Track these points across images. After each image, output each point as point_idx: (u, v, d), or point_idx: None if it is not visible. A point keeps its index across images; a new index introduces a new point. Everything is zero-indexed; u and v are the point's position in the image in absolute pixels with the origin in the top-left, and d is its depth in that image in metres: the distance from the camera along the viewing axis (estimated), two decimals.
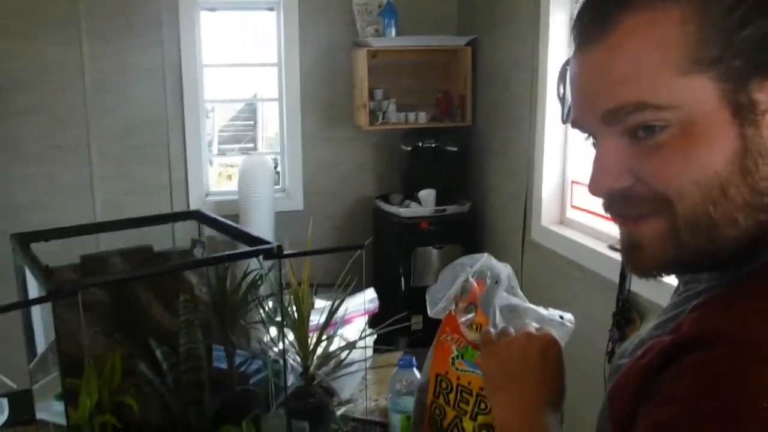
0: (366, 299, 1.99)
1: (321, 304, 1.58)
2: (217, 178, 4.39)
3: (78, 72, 3.56)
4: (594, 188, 0.67)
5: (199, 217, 1.49)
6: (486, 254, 1.10)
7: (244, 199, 3.59)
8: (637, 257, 0.67)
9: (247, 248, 1.27)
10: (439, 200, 3.61)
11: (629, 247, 0.68)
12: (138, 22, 3.59)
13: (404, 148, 3.69)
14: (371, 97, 3.61)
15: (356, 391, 1.75)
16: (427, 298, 1.12)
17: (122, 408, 1.28)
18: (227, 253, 1.30)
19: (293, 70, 3.76)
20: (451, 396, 1.09)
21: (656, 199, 0.63)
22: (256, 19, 4.04)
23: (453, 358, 1.09)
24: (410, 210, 3.57)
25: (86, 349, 1.24)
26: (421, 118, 3.68)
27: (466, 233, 3.59)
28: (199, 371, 1.38)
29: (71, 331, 1.20)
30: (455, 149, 3.68)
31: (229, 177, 4.56)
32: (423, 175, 3.66)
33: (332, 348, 1.56)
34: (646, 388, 0.62)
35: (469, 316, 1.08)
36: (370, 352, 1.83)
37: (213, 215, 1.51)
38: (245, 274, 1.47)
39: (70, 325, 1.19)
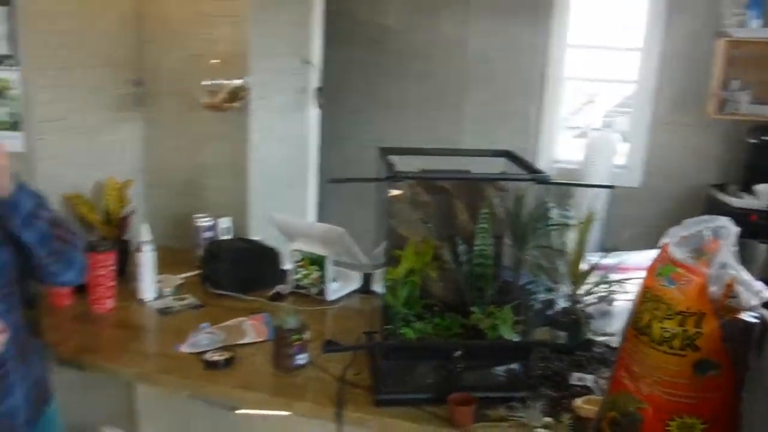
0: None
1: None
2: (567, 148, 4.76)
3: (464, 45, 4.25)
4: None
5: (509, 155, 1.95)
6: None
7: (585, 171, 3.96)
8: None
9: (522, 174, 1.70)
10: None
11: None
12: (523, 2, 4.14)
13: (750, 140, 3.70)
14: (725, 86, 3.69)
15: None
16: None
17: (427, 277, 1.81)
18: (504, 174, 1.75)
19: (653, 54, 3.99)
20: (650, 303, 1.41)
21: None
22: (627, 3, 4.29)
23: (657, 274, 1.41)
24: (743, 201, 3.60)
25: (408, 231, 1.80)
26: None
27: None
28: (485, 267, 1.86)
29: (401, 217, 1.77)
30: None
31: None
32: (763, 169, 3.65)
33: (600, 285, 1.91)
34: None
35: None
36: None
37: (521, 156, 1.95)
38: (540, 205, 1.89)
39: (402, 213, 1.76)
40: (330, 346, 1.70)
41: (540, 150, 4.21)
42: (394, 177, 1.60)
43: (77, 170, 2.51)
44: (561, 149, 4.40)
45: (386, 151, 1.87)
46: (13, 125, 2.34)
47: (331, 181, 1.62)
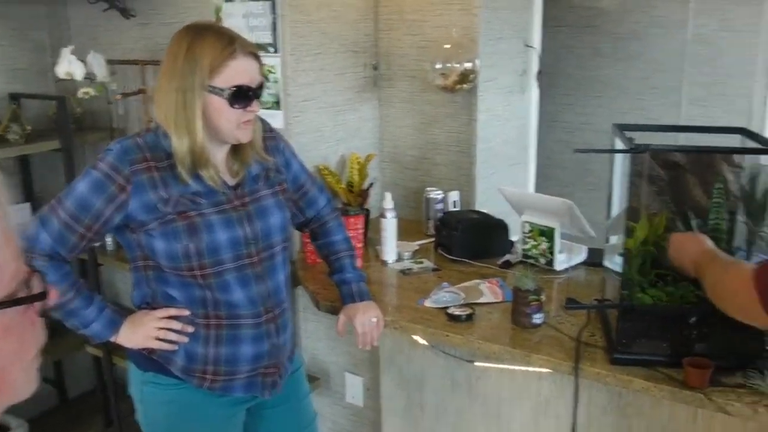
0: None
1: None
2: None
3: (682, 25, 4.16)
4: None
5: (744, 132, 1.98)
6: None
7: None
8: None
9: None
10: None
11: None
12: None
13: None
14: None
15: None
16: None
17: (660, 247, 1.89)
18: (742, 147, 1.79)
19: None
20: None
21: None
22: None
23: None
24: None
25: (644, 204, 1.88)
26: None
27: None
28: (718, 241, 1.90)
29: (638, 190, 1.86)
30: None
31: None
32: None
33: None
34: None
35: None
36: None
37: (757, 133, 1.97)
38: None
39: (638, 188, 1.85)
40: (571, 303, 1.84)
41: (765, 134, 4.04)
42: (639, 149, 1.70)
43: (326, 144, 2.82)
44: None
45: (621, 127, 1.96)
46: (275, 105, 2.68)
47: (577, 150, 1.75)
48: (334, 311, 2.10)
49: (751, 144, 1.96)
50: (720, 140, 2.02)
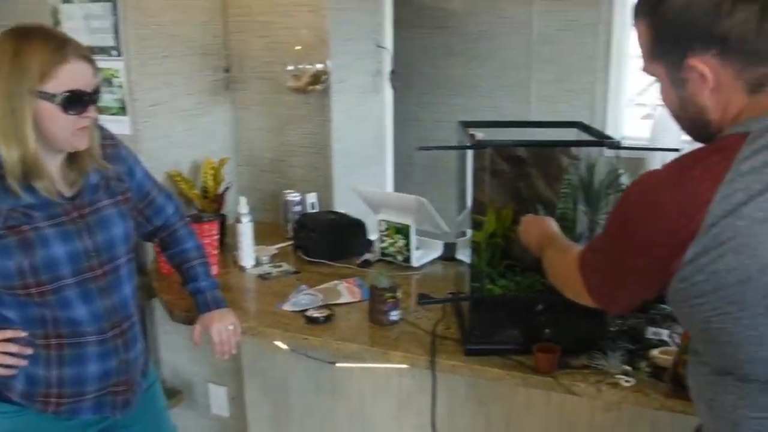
0: None
1: None
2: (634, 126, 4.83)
3: (527, 26, 4.35)
4: None
5: (580, 126, 2.08)
6: None
7: (651, 146, 4.02)
8: None
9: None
10: None
11: None
12: None
13: None
14: None
15: None
16: None
17: (507, 239, 1.96)
18: (578, 140, 1.89)
19: None
20: None
21: None
22: None
23: None
24: None
25: (488, 197, 1.94)
26: None
27: None
28: (567, 230, 1.99)
29: (482, 185, 1.91)
30: None
31: None
32: None
33: None
34: None
35: None
36: None
37: (592, 126, 2.07)
38: (612, 172, 2.01)
39: (483, 182, 1.91)
40: (424, 298, 1.87)
41: (606, 127, 4.29)
42: (480, 145, 1.75)
43: (177, 150, 2.74)
44: (628, 126, 4.47)
45: (465, 125, 2.02)
46: (121, 110, 2.57)
47: (420, 148, 1.77)
48: (191, 321, 2.03)
49: (586, 137, 2.07)
50: (560, 134, 2.12)
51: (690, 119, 1.11)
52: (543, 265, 1.60)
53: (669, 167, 1.05)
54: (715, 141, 1.05)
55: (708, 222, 0.97)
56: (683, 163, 1.03)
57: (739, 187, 0.96)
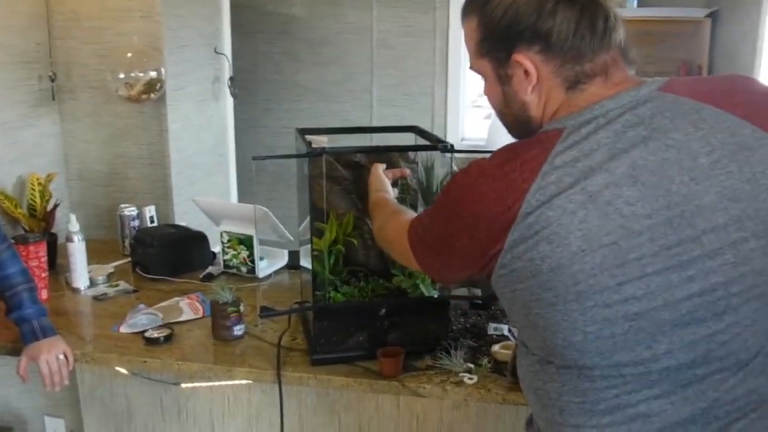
0: None
1: None
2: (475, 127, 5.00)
3: (368, 32, 4.40)
4: None
5: (416, 130, 2.12)
6: None
7: (489, 147, 4.18)
8: None
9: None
10: None
11: None
12: None
13: None
14: None
15: None
16: None
17: (349, 245, 1.96)
18: (414, 144, 1.92)
19: None
20: None
21: None
22: None
23: None
24: None
25: (327, 203, 1.93)
26: None
27: None
28: None
29: (321, 192, 1.90)
30: None
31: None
32: None
33: None
34: None
35: None
36: None
37: (427, 130, 2.11)
38: (449, 174, 2.06)
39: (321, 189, 1.90)
40: (265, 311, 1.83)
41: (447, 129, 4.41)
42: (315, 152, 1.73)
43: None
44: (468, 128, 4.62)
45: (303, 132, 2.00)
46: None
47: (255, 158, 1.73)
48: (17, 353, 1.89)
49: (422, 141, 2.10)
50: (399, 138, 2.14)
51: (514, 115, 1.17)
52: (372, 224, 1.69)
53: (492, 158, 1.10)
54: (535, 136, 1.11)
55: (524, 211, 1.02)
56: (505, 155, 1.09)
57: (552, 179, 1.02)
